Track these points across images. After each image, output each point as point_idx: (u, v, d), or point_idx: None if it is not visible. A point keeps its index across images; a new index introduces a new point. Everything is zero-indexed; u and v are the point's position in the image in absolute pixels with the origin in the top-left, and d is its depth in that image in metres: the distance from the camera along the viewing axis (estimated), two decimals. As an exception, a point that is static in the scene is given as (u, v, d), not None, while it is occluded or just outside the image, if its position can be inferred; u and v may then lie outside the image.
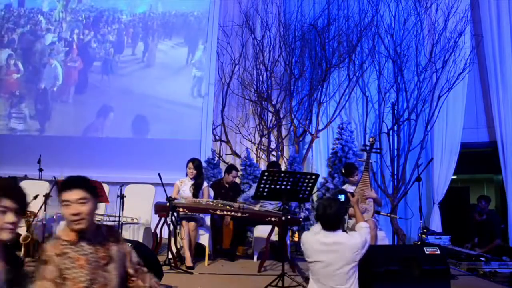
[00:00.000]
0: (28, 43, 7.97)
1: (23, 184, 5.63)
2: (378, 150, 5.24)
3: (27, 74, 7.86)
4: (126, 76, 7.82)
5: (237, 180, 6.66)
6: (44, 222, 4.81)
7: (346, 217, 4.33)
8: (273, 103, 7.51)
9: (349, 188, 4.83)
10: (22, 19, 8.06)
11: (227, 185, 5.69)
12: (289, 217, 4.37)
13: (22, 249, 4.75)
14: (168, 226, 4.65)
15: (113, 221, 5.06)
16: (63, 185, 1.97)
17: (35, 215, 4.71)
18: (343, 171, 5.12)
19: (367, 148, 4.66)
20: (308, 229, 4.69)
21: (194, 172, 4.98)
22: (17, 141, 7.49)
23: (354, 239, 2.86)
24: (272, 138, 7.49)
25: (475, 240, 6.13)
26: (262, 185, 3.86)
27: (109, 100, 7.70)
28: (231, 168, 5.83)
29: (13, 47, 7.95)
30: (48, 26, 8.02)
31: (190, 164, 5.01)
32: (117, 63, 7.88)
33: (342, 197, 3.58)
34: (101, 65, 7.87)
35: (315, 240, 2.90)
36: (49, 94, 7.76)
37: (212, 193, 5.26)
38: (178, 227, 4.64)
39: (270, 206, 5.29)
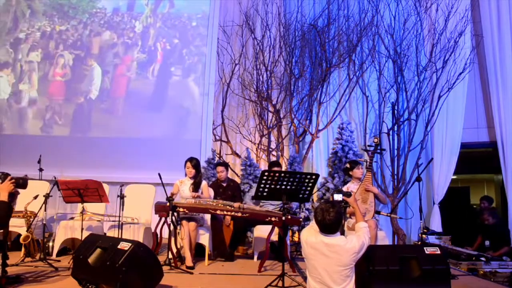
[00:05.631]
0: (96, 46, 7.89)
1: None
2: (380, 151, 5.23)
3: (73, 76, 7.81)
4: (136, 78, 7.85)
5: (237, 180, 6.67)
6: (44, 222, 4.80)
7: (347, 215, 4.33)
8: (273, 103, 7.51)
9: (351, 187, 4.82)
10: (116, 23, 7.95)
11: (225, 184, 5.70)
12: (289, 217, 4.37)
13: (22, 249, 4.77)
14: (168, 226, 4.65)
15: (113, 221, 5.06)
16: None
17: (35, 215, 4.72)
18: (347, 165, 5.09)
19: (371, 148, 4.64)
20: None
21: (193, 171, 4.98)
22: (17, 141, 7.49)
23: (351, 243, 2.86)
24: (272, 138, 7.49)
25: (485, 243, 6.02)
26: (262, 185, 3.86)
27: (111, 101, 7.71)
28: (215, 165, 5.96)
29: (84, 49, 7.87)
30: (136, 32, 7.91)
31: (188, 164, 5.01)
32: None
33: (339, 197, 3.58)
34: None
35: (314, 239, 2.91)
36: (86, 102, 7.70)
37: (212, 192, 5.26)
38: (178, 227, 4.64)
39: (271, 207, 5.29)
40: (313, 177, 3.89)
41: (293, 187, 3.85)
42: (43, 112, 7.68)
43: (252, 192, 5.52)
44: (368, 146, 4.78)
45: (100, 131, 7.60)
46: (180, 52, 7.86)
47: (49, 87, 7.78)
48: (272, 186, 3.85)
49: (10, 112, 7.69)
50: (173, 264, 4.41)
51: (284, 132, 7.55)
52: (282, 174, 3.88)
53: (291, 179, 3.84)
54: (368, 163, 4.66)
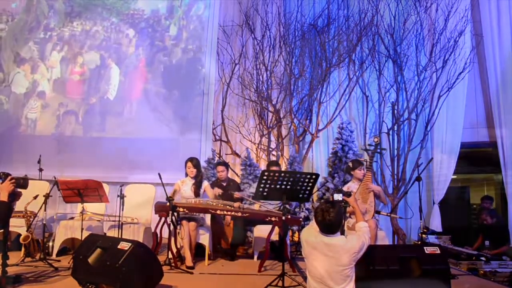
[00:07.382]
0: (120, 48, 7.84)
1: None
2: (380, 150, 5.23)
3: (90, 76, 7.77)
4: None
5: (237, 179, 6.67)
6: (44, 222, 4.80)
7: (347, 215, 4.33)
8: (273, 103, 7.51)
9: (351, 186, 4.82)
10: (149, 25, 7.84)
11: (225, 184, 5.70)
12: (289, 216, 4.37)
13: (22, 249, 4.77)
14: (168, 226, 4.65)
15: (113, 221, 5.06)
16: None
17: (35, 215, 4.72)
18: (350, 164, 5.07)
19: (372, 148, 4.64)
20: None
21: (195, 170, 4.99)
22: (17, 141, 7.48)
23: (351, 243, 2.87)
24: (272, 138, 7.48)
25: (485, 243, 6.02)
26: (262, 185, 3.86)
27: (120, 102, 7.71)
28: (215, 165, 5.98)
29: (109, 50, 7.82)
30: (168, 34, 7.82)
31: (190, 164, 5.01)
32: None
33: (339, 196, 3.59)
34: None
35: (315, 239, 2.91)
36: (98, 102, 7.67)
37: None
38: (178, 227, 4.64)
39: (271, 206, 5.29)
40: (313, 177, 3.89)
41: (293, 187, 3.85)
42: (54, 110, 7.65)
43: (250, 190, 5.54)
44: (369, 145, 4.78)
45: (101, 131, 7.59)
46: (176, 49, 7.81)
47: (65, 86, 7.74)
48: (272, 186, 3.85)
49: (26, 107, 7.67)
50: (173, 264, 4.42)
51: (284, 132, 7.55)
52: (282, 174, 3.88)
53: (291, 179, 3.84)
54: (368, 162, 4.66)
